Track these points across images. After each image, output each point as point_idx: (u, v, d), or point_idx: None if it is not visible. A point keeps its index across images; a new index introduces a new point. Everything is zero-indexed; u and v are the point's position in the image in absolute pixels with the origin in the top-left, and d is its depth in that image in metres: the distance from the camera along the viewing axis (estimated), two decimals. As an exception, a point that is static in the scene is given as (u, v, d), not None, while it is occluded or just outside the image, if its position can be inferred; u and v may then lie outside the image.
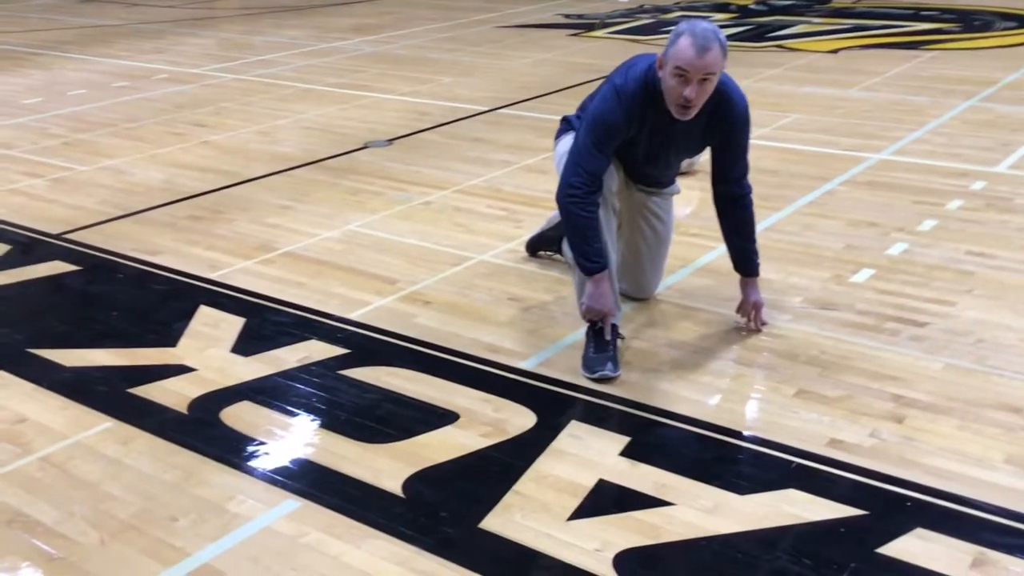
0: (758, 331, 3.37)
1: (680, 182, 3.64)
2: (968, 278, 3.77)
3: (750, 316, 3.39)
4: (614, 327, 3.19)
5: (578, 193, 3.08)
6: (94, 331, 3.54)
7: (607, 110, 3.09)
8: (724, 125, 3.16)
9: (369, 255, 4.15)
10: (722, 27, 9.63)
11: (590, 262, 3.11)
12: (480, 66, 8.16)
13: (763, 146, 5.54)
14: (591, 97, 3.28)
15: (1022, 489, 2.53)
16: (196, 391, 3.09)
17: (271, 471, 2.69)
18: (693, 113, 3.01)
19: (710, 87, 2.98)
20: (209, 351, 3.36)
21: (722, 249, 4.03)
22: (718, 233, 4.24)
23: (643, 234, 3.49)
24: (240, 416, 2.96)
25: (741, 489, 2.55)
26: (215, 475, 2.67)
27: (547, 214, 4.14)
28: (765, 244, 4.07)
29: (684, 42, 2.93)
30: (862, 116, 6.18)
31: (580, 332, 3.31)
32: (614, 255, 3.25)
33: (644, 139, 3.17)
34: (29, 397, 3.09)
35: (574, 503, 2.51)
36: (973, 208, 4.50)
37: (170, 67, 8.41)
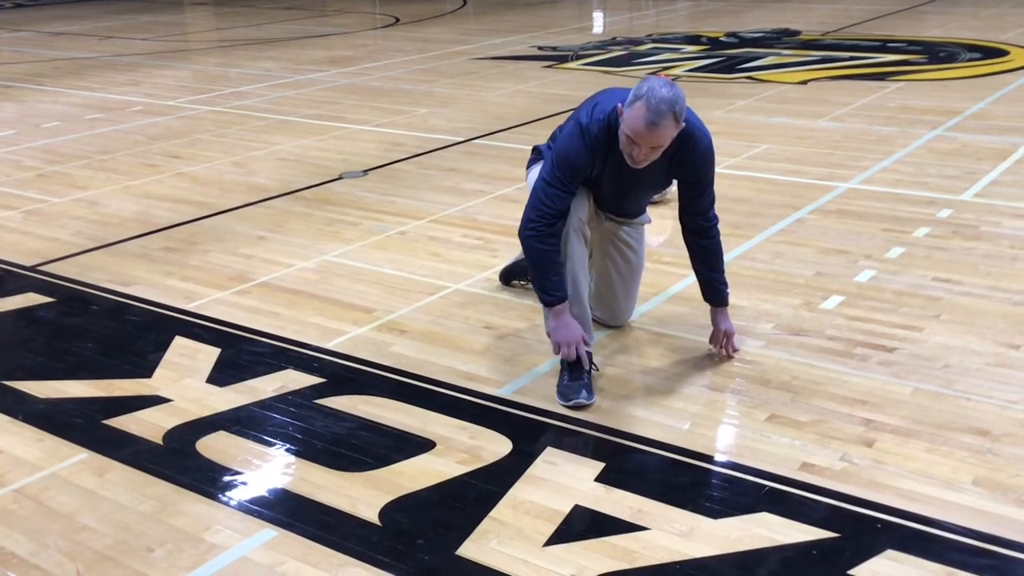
0: (730, 358, 3.42)
1: (654, 211, 3.70)
2: (935, 304, 3.83)
3: (722, 344, 3.43)
4: (589, 355, 3.22)
5: (536, 227, 3.13)
6: (69, 363, 3.53)
7: (571, 148, 3.15)
8: (688, 162, 3.20)
9: (345, 285, 4.17)
10: (693, 59, 9.78)
11: (548, 294, 3.16)
12: (455, 97, 8.23)
13: (734, 175, 5.62)
14: (560, 128, 3.33)
15: (990, 510, 2.58)
16: (172, 422, 3.09)
17: (247, 501, 2.69)
18: (644, 165, 3.07)
19: (659, 152, 3.03)
20: (185, 382, 3.36)
21: (694, 277, 4.09)
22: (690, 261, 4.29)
23: (615, 263, 3.53)
24: (216, 446, 2.96)
25: (715, 513, 2.58)
26: (191, 505, 2.67)
27: (521, 243, 4.17)
28: (736, 272, 4.13)
29: (638, 111, 2.94)
30: (831, 146, 6.28)
31: (555, 360, 3.34)
32: (585, 283, 3.28)
33: (609, 176, 3.22)
34: (4, 429, 3.08)
35: (550, 529, 2.53)
36: (940, 235, 4.58)
37: (145, 99, 8.43)
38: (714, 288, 3.42)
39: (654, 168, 3.14)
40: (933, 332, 3.59)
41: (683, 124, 3.01)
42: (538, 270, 3.16)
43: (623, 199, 3.37)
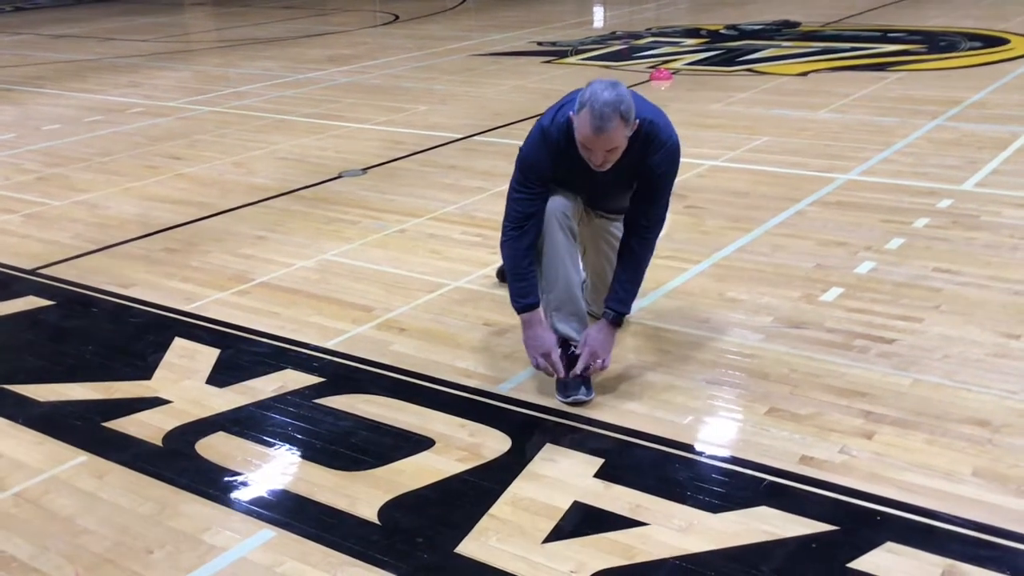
0: (589, 373, 3.17)
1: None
2: (935, 295, 3.82)
3: (588, 361, 3.14)
4: (569, 359, 3.19)
5: (505, 231, 3.17)
6: (69, 365, 3.53)
7: (530, 152, 3.16)
8: (652, 159, 3.13)
9: (344, 283, 4.17)
10: (693, 51, 9.76)
11: (513, 300, 3.18)
12: (454, 94, 8.22)
13: (734, 168, 5.60)
14: None
15: (990, 501, 2.57)
16: (171, 423, 3.09)
17: (247, 501, 2.69)
18: (607, 168, 3.04)
19: (618, 153, 2.99)
20: (184, 383, 3.36)
21: (693, 272, 4.10)
22: (689, 256, 4.30)
23: (608, 259, 3.51)
24: (215, 447, 2.96)
25: (714, 508, 2.58)
26: (190, 506, 2.67)
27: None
28: (736, 265, 4.12)
29: (584, 119, 2.91)
30: (831, 137, 6.27)
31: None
32: (577, 278, 3.26)
33: (580, 176, 3.17)
34: (4, 433, 3.08)
35: (549, 525, 2.53)
36: (940, 226, 4.57)
37: (145, 100, 8.43)
38: (616, 294, 3.21)
39: (626, 166, 3.10)
40: (933, 323, 3.58)
41: (635, 122, 2.98)
42: (508, 275, 3.21)
43: (606, 198, 3.35)
